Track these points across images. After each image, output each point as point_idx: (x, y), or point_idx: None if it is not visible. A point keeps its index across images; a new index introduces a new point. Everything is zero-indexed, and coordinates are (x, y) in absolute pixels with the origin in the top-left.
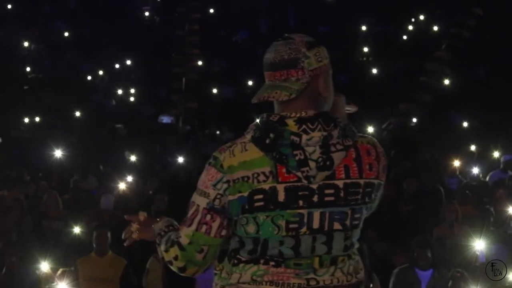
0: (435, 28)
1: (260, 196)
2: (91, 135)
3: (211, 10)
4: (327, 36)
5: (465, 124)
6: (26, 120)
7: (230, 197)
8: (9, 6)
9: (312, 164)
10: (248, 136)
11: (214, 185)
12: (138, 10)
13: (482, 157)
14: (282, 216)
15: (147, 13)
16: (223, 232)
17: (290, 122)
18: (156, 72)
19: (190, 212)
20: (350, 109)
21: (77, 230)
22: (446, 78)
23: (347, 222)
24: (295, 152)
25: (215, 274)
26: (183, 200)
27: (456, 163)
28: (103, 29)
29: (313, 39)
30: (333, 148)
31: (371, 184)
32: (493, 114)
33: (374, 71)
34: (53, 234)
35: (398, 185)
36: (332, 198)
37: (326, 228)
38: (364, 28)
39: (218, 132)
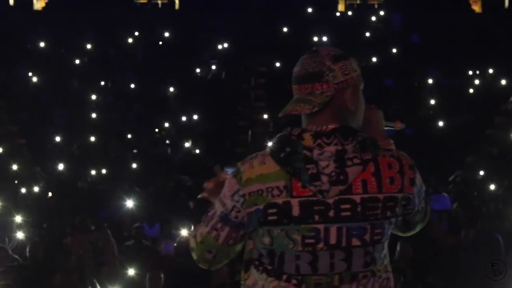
0: (503, 82)
1: (274, 210)
2: (157, 185)
3: (277, 64)
4: (392, 89)
5: None
6: (93, 172)
7: (248, 210)
8: (77, 61)
9: (324, 179)
10: (268, 149)
11: (232, 196)
12: (206, 64)
13: None
14: (298, 231)
15: (214, 67)
16: (231, 242)
17: (307, 136)
18: (222, 125)
19: (210, 213)
20: (394, 125)
21: (131, 272)
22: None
23: (367, 238)
24: (308, 166)
25: (241, 284)
26: None
27: None
28: (170, 82)
29: (340, 51)
30: (349, 163)
31: (392, 198)
32: None
33: (441, 123)
34: (110, 278)
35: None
36: (348, 213)
37: (343, 244)
38: (430, 81)
39: None
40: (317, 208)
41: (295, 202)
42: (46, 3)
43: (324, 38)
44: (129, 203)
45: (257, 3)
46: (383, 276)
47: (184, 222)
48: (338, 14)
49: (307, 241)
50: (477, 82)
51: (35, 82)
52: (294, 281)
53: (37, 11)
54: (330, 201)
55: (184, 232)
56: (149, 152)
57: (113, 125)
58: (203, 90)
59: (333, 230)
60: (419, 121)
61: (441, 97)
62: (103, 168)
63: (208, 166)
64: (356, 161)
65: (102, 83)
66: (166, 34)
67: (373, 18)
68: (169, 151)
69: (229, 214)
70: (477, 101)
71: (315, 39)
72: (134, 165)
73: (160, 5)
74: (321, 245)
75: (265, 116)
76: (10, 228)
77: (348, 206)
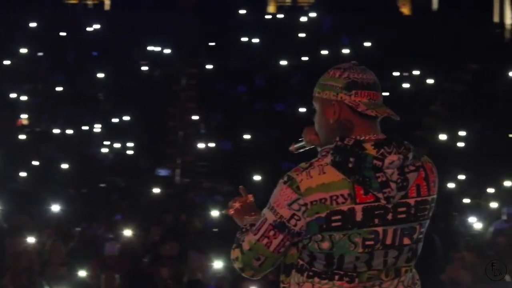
0: (430, 82)
1: (338, 217)
2: (90, 187)
3: (208, 66)
4: None
5: (462, 176)
6: (24, 173)
7: (308, 219)
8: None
9: (393, 186)
10: (327, 160)
11: (289, 205)
12: (136, 65)
13: (479, 208)
14: (359, 234)
15: (144, 68)
16: (282, 250)
17: (368, 146)
18: (154, 126)
19: (259, 222)
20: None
21: (82, 274)
22: (442, 132)
23: (415, 236)
24: (377, 175)
25: None
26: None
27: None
28: (101, 83)
29: None
30: (407, 170)
31: (434, 200)
32: (489, 166)
33: None
34: (57, 280)
35: None
36: (404, 216)
37: (397, 243)
38: None
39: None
40: (378, 212)
41: (358, 208)
42: None
43: (255, 40)
44: (62, 205)
45: (188, 4)
46: (413, 271)
47: (124, 223)
48: (269, 16)
49: (367, 243)
50: (405, 83)
51: None
52: (347, 279)
53: None
54: (389, 205)
55: (127, 233)
56: (80, 152)
57: (44, 126)
58: (134, 91)
59: (390, 231)
60: None
61: None
62: (34, 169)
63: (139, 167)
64: (411, 168)
65: (32, 84)
66: (97, 35)
67: (303, 20)
68: (100, 151)
69: (287, 223)
70: (406, 102)
71: (245, 39)
72: (66, 166)
73: (90, 6)
74: (378, 245)
75: (196, 117)
76: None
77: (404, 209)
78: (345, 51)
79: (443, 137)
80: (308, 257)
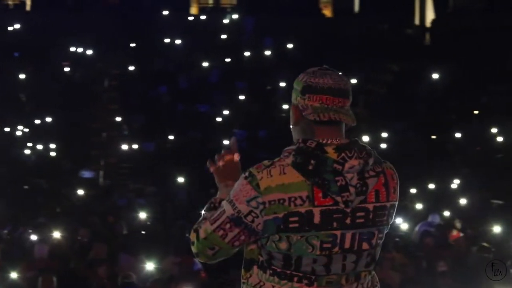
0: (352, 83)
1: (295, 218)
2: (13, 189)
3: (131, 67)
4: (245, 92)
5: None
6: None
7: (266, 218)
8: None
9: (352, 190)
10: (288, 160)
11: (248, 202)
12: (58, 66)
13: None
14: (317, 237)
15: (66, 69)
16: (237, 243)
17: (330, 150)
18: (76, 127)
19: (217, 212)
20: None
21: (14, 275)
22: (364, 134)
23: (373, 241)
24: (336, 178)
25: (243, 283)
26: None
27: None
28: (22, 84)
29: None
30: (367, 175)
31: (393, 206)
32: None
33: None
34: None
35: None
36: (362, 220)
37: (355, 248)
38: (283, 84)
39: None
40: (336, 216)
41: (316, 211)
42: None
43: (178, 41)
44: None
45: (111, 5)
46: (373, 274)
47: (50, 225)
48: (191, 17)
49: (325, 245)
50: None
51: None
52: (305, 281)
53: None
54: (348, 209)
55: (56, 235)
56: (3, 154)
57: None
58: (57, 92)
59: (348, 235)
60: (272, 124)
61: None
62: None
63: (63, 168)
64: (371, 173)
65: None
66: (18, 35)
67: (226, 21)
68: (23, 153)
69: (244, 218)
70: None
71: (168, 40)
72: None
73: (11, 6)
74: (336, 249)
75: (119, 119)
76: None
77: (362, 213)
78: (268, 52)
79: (365, 138)
80: (267, 255)
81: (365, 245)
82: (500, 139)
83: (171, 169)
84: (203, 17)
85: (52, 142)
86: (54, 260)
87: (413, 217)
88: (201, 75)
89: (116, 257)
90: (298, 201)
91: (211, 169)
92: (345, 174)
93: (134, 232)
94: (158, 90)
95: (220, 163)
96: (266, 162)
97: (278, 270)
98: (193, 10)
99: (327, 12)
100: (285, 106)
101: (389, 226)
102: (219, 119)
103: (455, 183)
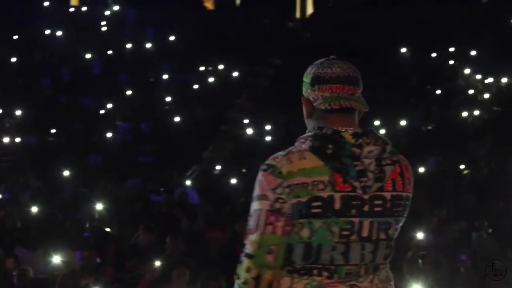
0: (235, 76)
1: (318, 203)
2: None
3: (12, 59)
4: (129, 84)
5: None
6: None
7: (292, 201)
8: None
9: (370, 175)
10: (305, 146)
11: (273, 189)
12: None
13: None
14: (336, 223)
15: None
16: (288, 228)
17: (347, 135)
18: None
19: (253, 221)
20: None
21: None
22: (248, 127)
23: (390, 232)
24: (355, 163)
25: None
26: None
27: None
28: None
29: None
30: (383, 162)
31: (409, 198)
32: None
33: (177, 119)
34: None
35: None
36: (380, 209)
37: (373, 237)
38: (166, 76)
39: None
40: (355, 202)
41: (337, 196)
42: None
43: (59, 33)
44: None
45: None
46: (387, 267)
47: None
48: (72, 9)
49: (343, 233)
50: (210, 77)
51: None
52: (325, 273)
53: None
54: (366, 196)
55: None
56: None
57: None
58: None
59: (366, 223)
60: (155, 116)
61: (176, 92)
62: None
63: None
64: (388, 161)
65: None
66: None
67: (107, 13)
68: None
69: (274, 205)
70: (211, 96)
71: (48, 32)
72: None
73: None
74: (354, 237)
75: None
76: None
77: (380, 202)
78: (149, 45)
79: (249, 131)
80: (287, 253)
81: (382, 235)
82: (382, 131)
83: (55, 162)
84: (84, 8)
85: None
86: None
87: None
88: (83, 67)
89: (11, 251)
90: (321, 186)
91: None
92: (363, 159)
93: (27, 227)
94: (41, 82)
95: None
96: (280, 152)
97: (298, 266)
98: (74, 1)
99: (209, 5)
100: (168, 98)
101: (404, 219)
102: (102, 111)
103: None
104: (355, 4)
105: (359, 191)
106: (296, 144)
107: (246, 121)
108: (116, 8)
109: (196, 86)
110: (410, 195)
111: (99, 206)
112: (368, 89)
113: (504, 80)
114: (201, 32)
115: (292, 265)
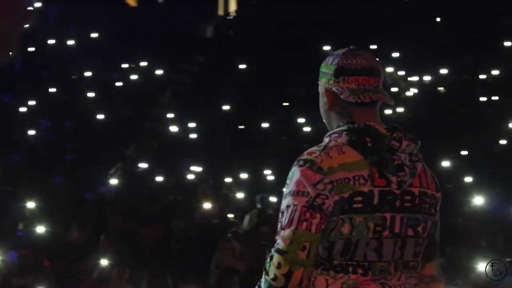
0: (159, 73)
1: (360, 198)
2: None
3: None
4: (49, 81)
5: (199, 168)
6: None
7: (335, 197)
8: None
9: (406, 170)
10: (342, 140)
11: (314, 185)
12: None
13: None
14: (372, 219)
15: None
16: (322, 226)
17: (382, 129)
18: None
19: (286, 216)
20: None
21: None
22: (173, 124)
23: (419, 229)
24: (394, 157)
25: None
26: None
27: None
28: None
29: None
30: (414, 158)
31: (434, 196)
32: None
33: (100, 116)
34: None
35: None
36: (409, 204)
37: (403, 233)
38: (88, 73)
39: None
40: (389, 198)
41: (376, 191)
42: None
43: None
44: None
45: None
46: (418, 268)
47: None
48: None
49: (377, 228)
50: (133, 75)
51: None
52: (360, 271)
53: None
54: (397, 192)
55: None
56: None
57: None
58: None
59: (398, 219)
60: (78, 114)
61: (99, 89)
62: None
63: None
64: (415, 158)
65: None
66: None
67: (29, 9)
68: None
69: (315, 201)
70: (134, 94)
71: None
72: None
73: None
74: (386, 232)
75: None
76: None
77: (409, 197)
78: (71, 41)
79: (174, 128)
80: (326, 250)
81: (410, 231)
82: (307, 129)
83: None
84: None
85: None
86: None
87: (237, 205)
88: (4, 63)
89: None
90: (362, 180)
91: None
92: (399, 154)
93: None
94: None
95: None
96: (315, 147)
97: (336, 262)
98: None
99: (131, 2)
100: (91, 94)
101: (433, 218)
102: (23, 109)
103: (266, 173)
104: (278, 1)
105: (394, 186)
106: (326, 139)
107: (170, 117)
108: (38, 4)
109: (119, 84)
110: (436, 194)
111: (30, 205)
112: (290, 86)
113: (427, 78)
114: (124, 29)
115: (330, 262)
